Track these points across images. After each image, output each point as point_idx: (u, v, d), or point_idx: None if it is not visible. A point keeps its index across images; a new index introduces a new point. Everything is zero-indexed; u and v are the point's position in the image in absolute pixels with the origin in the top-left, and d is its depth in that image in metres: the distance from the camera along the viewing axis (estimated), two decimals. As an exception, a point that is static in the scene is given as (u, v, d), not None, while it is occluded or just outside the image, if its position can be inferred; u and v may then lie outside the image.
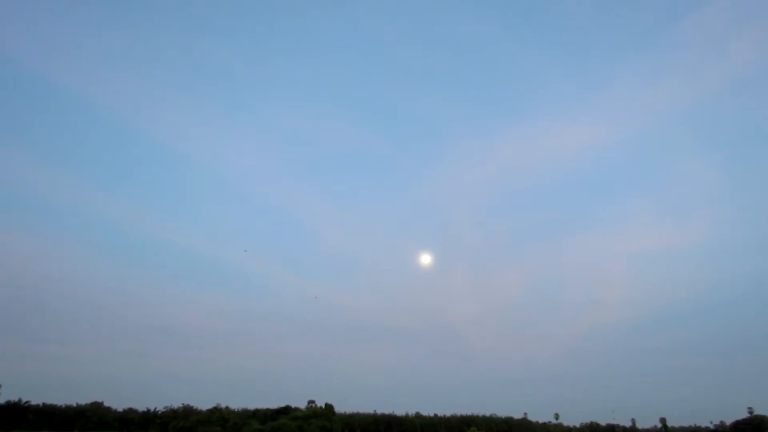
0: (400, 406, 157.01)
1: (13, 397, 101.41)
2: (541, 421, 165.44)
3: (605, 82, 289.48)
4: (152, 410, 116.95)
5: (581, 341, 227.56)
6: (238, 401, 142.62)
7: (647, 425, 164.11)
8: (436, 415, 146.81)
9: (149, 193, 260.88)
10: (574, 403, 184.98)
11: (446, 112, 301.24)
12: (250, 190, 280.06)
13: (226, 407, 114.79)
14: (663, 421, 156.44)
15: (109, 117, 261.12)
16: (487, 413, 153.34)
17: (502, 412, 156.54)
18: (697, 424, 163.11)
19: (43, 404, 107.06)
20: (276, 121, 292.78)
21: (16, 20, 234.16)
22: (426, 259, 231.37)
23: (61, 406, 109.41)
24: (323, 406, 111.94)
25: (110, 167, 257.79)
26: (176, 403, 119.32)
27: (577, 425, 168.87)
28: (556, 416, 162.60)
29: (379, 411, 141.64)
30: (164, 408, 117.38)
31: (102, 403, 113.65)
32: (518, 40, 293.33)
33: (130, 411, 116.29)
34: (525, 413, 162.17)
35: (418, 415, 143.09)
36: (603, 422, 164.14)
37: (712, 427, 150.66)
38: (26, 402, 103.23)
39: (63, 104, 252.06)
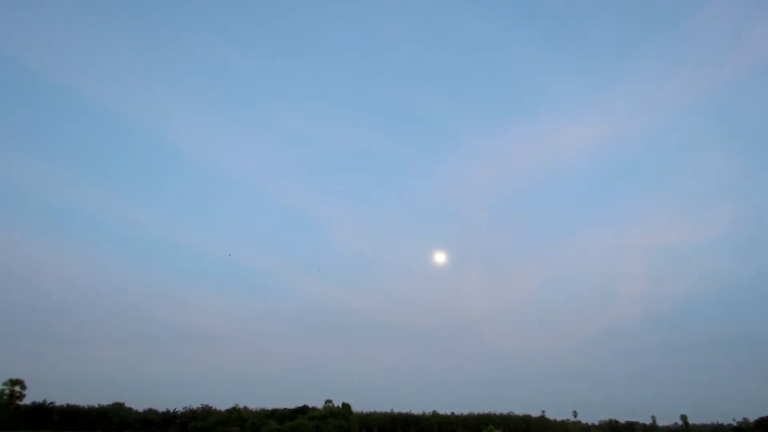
0: (417, 405, 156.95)
1: (39, 399, 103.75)
2: (559, 419, 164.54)
3: (617, 75, 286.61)
4: (172, 411, 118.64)
5: (599, 338, 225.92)
6: (255, 401, 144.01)
7: (668, 422, 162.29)
8: (453, 413, 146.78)
9: (166, 198, 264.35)
10: (592, 400, 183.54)
11: (451, 110, 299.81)
12: (262, 192, 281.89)
13: (245, 407, 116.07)
14: (684, 418, 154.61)
15: (119, 121, 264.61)
16: (505, 411, 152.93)
17: (519, 410, 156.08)
18: (719, 422, 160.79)
19: (67, 405, 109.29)
20: (282, 122, 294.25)
21: (13, 19, 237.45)
22: (440, 257, 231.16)
23: (84, 407, 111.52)
24: (340, 406, 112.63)
25: (128, 174, 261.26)
26: (195, 404, 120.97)
27: (596, 423, 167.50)
28: (575, 414, 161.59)
29: (396, 410, 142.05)
30: (183, 408, 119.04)
31: (123, 403, 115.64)
32: (523, 37, 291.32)
33: (151, 411, 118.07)
34: (543, 411, 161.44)
35: (435, 414, 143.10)
36: (622, 420, 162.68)
37: (735, 424, 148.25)
38: (51, 403, 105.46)
39: (81, 109, 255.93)
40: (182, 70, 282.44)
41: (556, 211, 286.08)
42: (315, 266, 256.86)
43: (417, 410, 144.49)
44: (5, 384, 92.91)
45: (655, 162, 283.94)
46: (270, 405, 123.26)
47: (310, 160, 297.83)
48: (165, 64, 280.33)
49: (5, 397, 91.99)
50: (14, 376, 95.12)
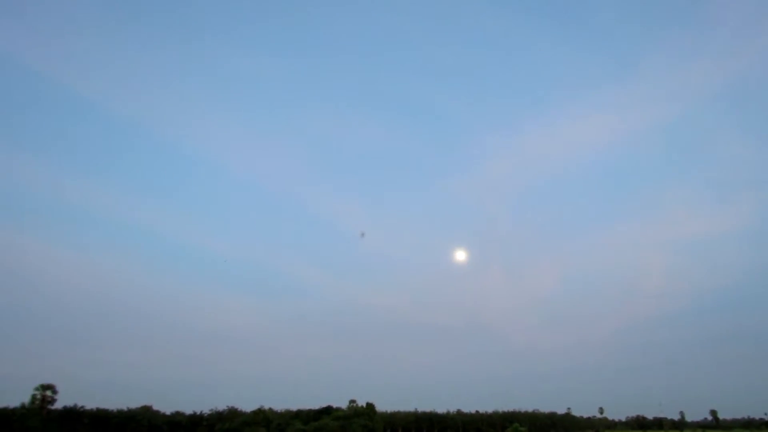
0: (441, 404, 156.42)
1: (69, 403, 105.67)
2: (585, 415, 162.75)
3: (634, 66, 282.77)
4: (198, 413, 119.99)
5: (623, 332, 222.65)
6: (280, 402, 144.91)
7: (697, 418, 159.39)
8: (477, 412, 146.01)
9: (186, 202, 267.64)
10: (618, 396, 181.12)
11: (469, 108, 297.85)
12: (281, 194, 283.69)
13: (270, 408, 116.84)
14: (714, 413, 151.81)
15: (143, 130, 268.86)
16: (530, 409, 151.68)
17: (544, 407, 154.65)
18: (750, 416, 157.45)
19: (97, 409, 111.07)
20: (301, 124, 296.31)
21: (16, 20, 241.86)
22: (460, 255, 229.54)
23: (113, 410, 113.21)
24: (364, 406, 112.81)
25: (147, 179, 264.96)
26: (221, 406, 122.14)
27: (623, 419, 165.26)
28: (601, 410, 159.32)
29: (420, 409, 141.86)
30: (210, 410, 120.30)
31: (151, 406, 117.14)
32: (537, 30, 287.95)
33: (178, 414, 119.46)
34: (568, 408, 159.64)
35: (459, 413, 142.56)
36: (650, 416, 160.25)
37: (767, 418, 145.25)
38: (81, 407, 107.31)
39: (105, 119, 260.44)
40: (199, 74, 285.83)
41: (576, 206, 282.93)
42: (335, 266, 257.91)
43: (441, 409, 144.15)
44: (37, 389, 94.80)
45: (675, 152, 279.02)
46: (294, 406, 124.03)
47: (330, 161, 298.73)
48: (194, 76, 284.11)
49: (37, 402, 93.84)
50: (45, 381, 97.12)
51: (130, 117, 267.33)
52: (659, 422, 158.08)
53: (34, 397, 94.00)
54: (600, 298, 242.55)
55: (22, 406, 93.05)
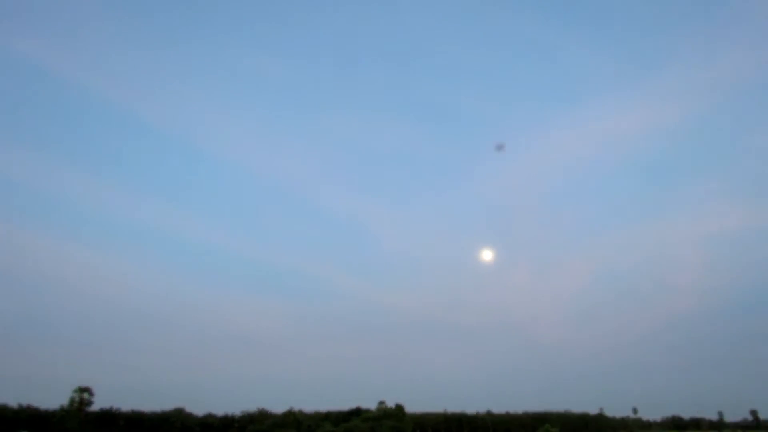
0: (471, 405, 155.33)
1: (105, 405, 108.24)
2: (618, 416, 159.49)
3: (662, 59, 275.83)
4: (230, 415, 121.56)
5: (658, 330, 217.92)
6: (310, 404, 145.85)
7: (736, 418, 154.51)
8: (508, 412, 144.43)
9: (211, 206, 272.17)
10: (653, 396, 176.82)
11: (494, 107, 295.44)
12: (306, 196, 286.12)
13: (299, 410, 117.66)
14: (754, 413, 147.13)
15: (167, 134, 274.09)
16: (561, 409, 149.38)
17: (576, 407, 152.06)
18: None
19: (132, 411, 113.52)
20: (325, 126, 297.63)
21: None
22: (487, 254, 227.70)
23: (147, 412, 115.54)
24: (394, 407, 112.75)
25: (173, 184, 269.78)
26: (252, 407, 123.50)
27: (658, 420, 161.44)
28: (635, 410, 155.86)
29: (450, 410, 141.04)
30: (241, 412, 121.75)
31: (184, 408, 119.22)
32: (562, 26, 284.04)
33: (210, 416, 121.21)
34: (601, 408, 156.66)
35: (489, 414, 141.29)
36: (687, 416, 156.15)
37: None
38: (116, 409, 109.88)
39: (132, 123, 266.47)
40: (221, 74, 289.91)
41: (605, 203, 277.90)
42: (361, 268, 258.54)
43: (471, 410, 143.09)
44: (75, 392, 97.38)
45: (707, 147, 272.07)
46: (324, 407, 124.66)
47: (353, 163, 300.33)
48: (214, 79, 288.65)
49: (75, 404, 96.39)
50: (82, 384, 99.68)
51: (155, 120, 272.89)
52: (696, 422, 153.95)
53: (72, 399, 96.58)
54: (633, 295, 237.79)
55: (62, 409, 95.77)
